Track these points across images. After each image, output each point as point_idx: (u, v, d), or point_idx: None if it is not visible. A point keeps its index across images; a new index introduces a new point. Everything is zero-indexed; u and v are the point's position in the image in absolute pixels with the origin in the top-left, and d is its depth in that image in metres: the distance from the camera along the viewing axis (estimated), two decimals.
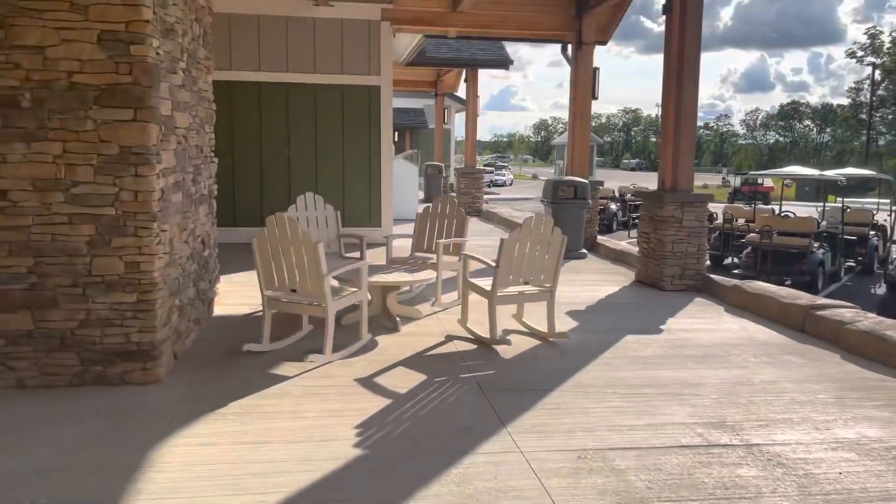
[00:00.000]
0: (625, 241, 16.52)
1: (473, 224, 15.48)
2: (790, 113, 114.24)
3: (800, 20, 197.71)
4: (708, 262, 8.47)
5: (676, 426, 4.15)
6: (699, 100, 8.42)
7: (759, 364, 5.46)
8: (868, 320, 6.00)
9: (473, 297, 6.18)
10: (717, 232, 14.04)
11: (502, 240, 5.55)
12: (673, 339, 6.17)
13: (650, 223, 8.64)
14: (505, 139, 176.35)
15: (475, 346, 5.75)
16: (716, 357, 5.62)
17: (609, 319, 6.84)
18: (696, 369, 5.29)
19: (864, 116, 75.42)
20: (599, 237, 12.17)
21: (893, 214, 15.00)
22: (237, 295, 7.33)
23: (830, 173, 15.02)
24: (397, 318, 6.21)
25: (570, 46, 12.01)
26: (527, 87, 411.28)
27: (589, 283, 8.74)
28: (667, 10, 8.38)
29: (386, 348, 5.62)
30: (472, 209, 17.53)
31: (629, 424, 4.16)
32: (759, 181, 34.92)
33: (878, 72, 61.90)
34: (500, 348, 5.68)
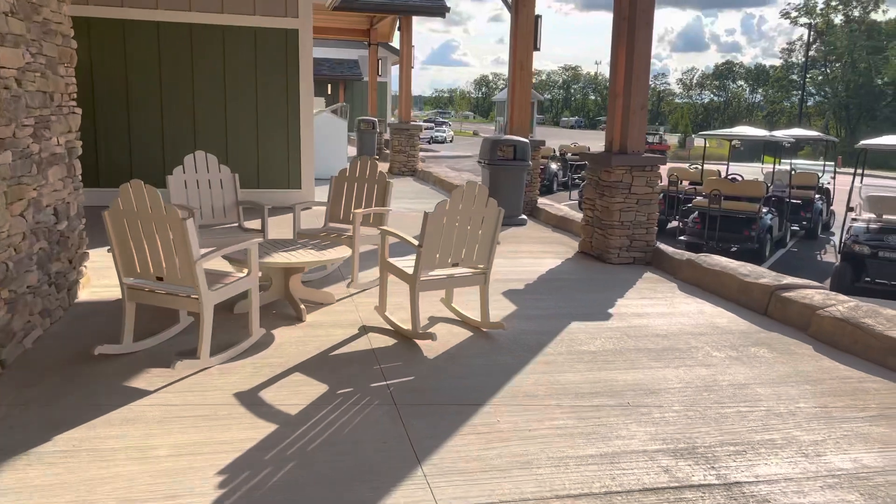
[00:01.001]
0: (565, 205, 15.77)
1: (408, 185, 14.43)
2: (724, 73, 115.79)
3: None
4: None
5: (637, 455, 3.29)
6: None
7: (725, 360, 4.67)
8: (842, 305, 5.28)
9: (395, 279, 5.20)
10: (662, 195, 13.39)
11: (426, 214, 4.56)
12: (624, 326, 5.34)
13: (595, 188, 7.77)
14: (446, 94, 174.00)
15: (394, 341, 4.78)
16: (674, 351, 4.81)
17: (551, 301, 5.97)
18: (653, 368, 4.46)
19: (795, 77, 76.70)
20: (540, 200, 11.31)
21: (851, 179, 14.62)
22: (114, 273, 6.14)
23: (779, 134, 14.50)
24: (302, 306, 5.18)
25: None
26: (468, 42, 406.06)
27: (529, 255, 7.86)
28: None
29: (283, 346, 4.60)
30: (406, 168, 16.45)
31: (578, 455, 3.28)
32: (656, 140, 34.66)
33: (809, 32, 62.62)
34: (423, 344, 4.73)
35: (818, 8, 69.18)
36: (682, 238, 11.56)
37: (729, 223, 11.10)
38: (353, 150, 21.43)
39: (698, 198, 11.70)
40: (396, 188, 13.53)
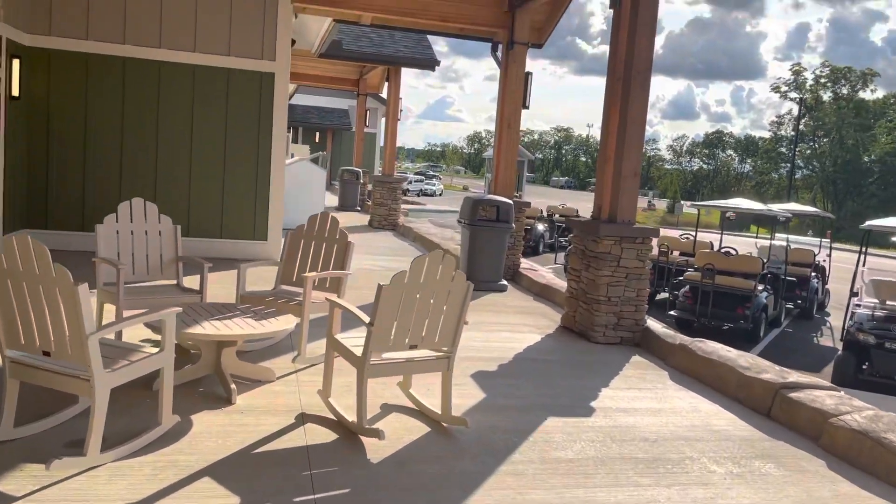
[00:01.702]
0: (550, 269, 15.15)
1: (387, 239, 13.77)
2: (714, 141, 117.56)
3: (725, 54, 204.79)
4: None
5: None
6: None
7: (725, 478, 3.94)
8: (858, 414, 4.58)
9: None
10: (651, 265, 12.78)
11: (380, 286, 3.86)
12: (608, 425, 4.60)
13: (581, 258, 7.12)
14: (438, 149, 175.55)
15: (334, 436, 4.02)
16: (666, 462, 4.07)
17: (526, 387, 5.24)
18: (641, 486, 3.72)
19: (783, 150, 77.75)
20: (524, 263, 10.67)
21: (853, 257, 14.10)
22: None
23: (776, 208, 14.03)
24: (232, 385, 4.42)
25: (500, 46, 10.50)
26: (463, 99, 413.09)
27: (506, 328, 7.15)
28: (615, 2, 6.91)
29: (199, 438, 3.83)
30: (387, 222, 15.83)
31: None
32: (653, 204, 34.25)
33: (800, 107, 63.63)
34: (368, 442, 3.97)
35: (808, 84, 70.54)
36: (671, 312, 10.91)
37: (722, 300, 10.47)
38: (335, 200, 20.85)
39: (690, 271, 11.10)
40: (374, 243, 12.87)
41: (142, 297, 5.02)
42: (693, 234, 14.95)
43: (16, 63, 8.38)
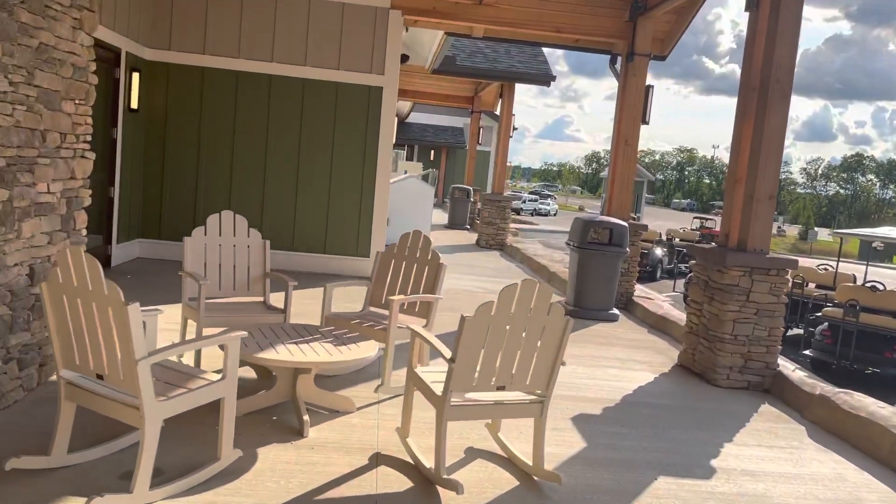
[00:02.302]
0: (668, 297, 14.14)
1: (492, 259, 13.29)
2: (853, 165, 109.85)
3: (865, 73, 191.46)
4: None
5: None
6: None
7: None
8: None
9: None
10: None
11: (463, 318, 3.38)
12: (732, 492, 3.89)
13: (704, 290, 6.35)
14: (555, 168, 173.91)
15: (409, 484, 3.56)
16: None
17: (634, 437, 4.58)
18: None
19: None
20: (640, 289, 9.90)
21: None
22: None
23: None
24: (306, 417, 4.06)
25: (619, 58, 9.83)
26: (582, 118, 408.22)
27: (614, 363, 6.47)
28: (752, 4, 6.16)
29: (261, 476, 3.47)
30: (494, 241, 15.36)
31: None
32: (710, 224, 31.32)
33: None
34: (445, 495, 3.48)
35: None
36: (806, 352, 9.77)
37: (867, 341, 9.25)
38: (445, 218, 20.63)
39: (829, 306, 9.91)
40: (479, 262, 12.43)
41: (223, 315, 4.79)
42: (832, 264, 13.52)
43: (135, 76, 8.59)
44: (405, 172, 19.55)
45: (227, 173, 9.31)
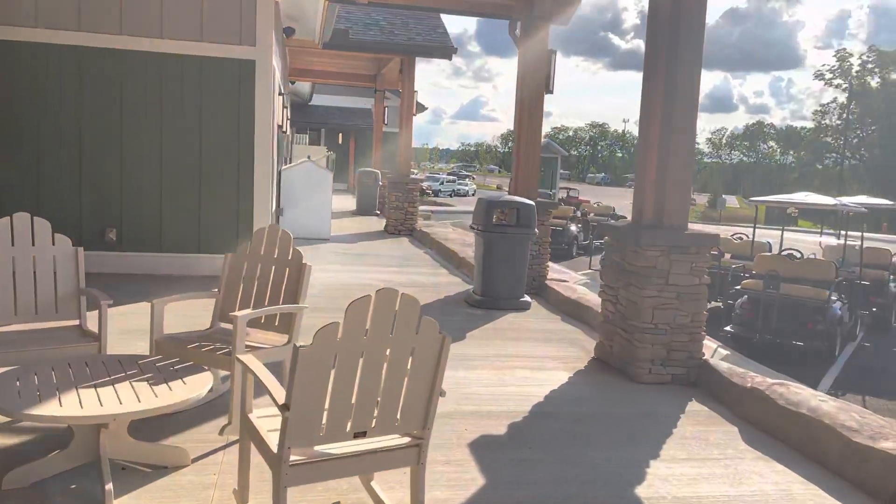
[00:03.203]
0: (583, 278, 13.60)
1: (401, 247, 12.36)
2: (755, 133, 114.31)
3: (763, 44, 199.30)
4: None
5: None
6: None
7: None
8: None
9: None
10: None
11: (296, 349, 2.46)
12: None
13: (619, 275, 5.62)
14: (472, 149, 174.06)
15: None
16: None
17: (543, 466, 3.77)
18: None
19: (829, 139, 74.53)
20: (554, 268, 9.21)
21: None
22: None
23: (848, 202, 12.29)
24: (108, 487, 3.03)
25: (518, 23, 9.02)
26: (496, 98, 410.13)
27: (526, 362, 5.68)
28: None
29: None
30: (403, 227, 14.44)
31: None
32: (574, 193, 32.08)
33: (845, 94, 60.70)
34: None
35: (854, 70, 67.27)
36: (727, 328, 9.30)
37: (789, 312, 8.83)
38: (353, 204, 19.57)
39: (748, 280, 9.46)
40: (384, 251, 11.48)
41: (15, 350, 3.68)
42: (745, 233, 13.24)
43: None
44: (308, 158, 18.36)
45: (74, 171, 8.00)
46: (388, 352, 2.63)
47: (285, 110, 13.29)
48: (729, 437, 4.34)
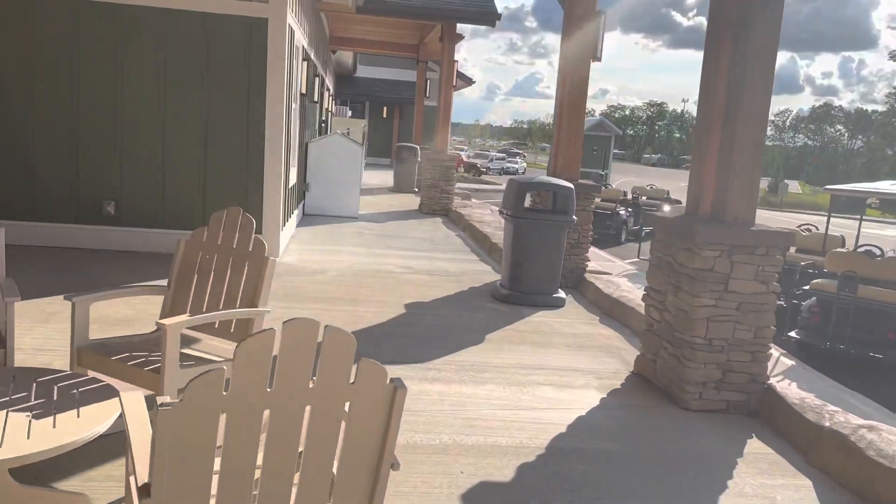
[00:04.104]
0: (630, 268, 12.53)
1: (433, 228, 11.50)
2: (821, 116, 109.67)
3: (833, 22, 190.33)
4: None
5: None
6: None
7: None
8: None
9: None
10: None
11: (160, 408, 1.61)
12: None
13: (667, 275, 4.66)
14: (525, 126, 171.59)
15: None
16: None
17: None
18: None
19: None
20: (599, 255, 8.23)
21: None
22: None
23: None
24: None
25: None
26: (552, 75, 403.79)
27: (550, 376, 4.78)
28: None
29: None
30: (438, 206, 13.57)
31: None
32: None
33: None
34: None
35: None
36: (791, 334, 8.20)
37: (868, 319, 7.67)
38: (390, 181, 18.76)
39: (818, 280, 8.31)
40: (413, 232, 10.64)
41: None
42: (813, 222, 11.95)
43: None
44: (344, 131, 17.60)
45: (69, 139, 7.34)
46: (307, 409, 1.78)
47: (317, 78, 12.49)
48: (801, 494, 3.39)
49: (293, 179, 9.28)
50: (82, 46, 7.25)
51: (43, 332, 4.66)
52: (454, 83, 13.71)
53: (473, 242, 10.45)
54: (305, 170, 11.54)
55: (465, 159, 45.42)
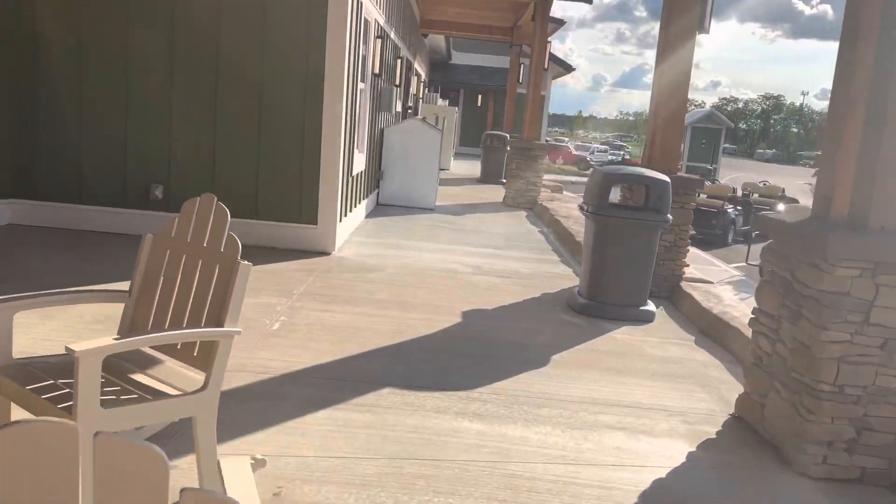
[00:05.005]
0: (735, 273, 11.18)
1: (512, 223, 10.58)
2: None
3: None
4: None
5: None
6: None
7: None
8: None
9: None
10: None
11: None
12: None
13: (783, 295, 3.58)
14: (631, 118, 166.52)
15: None
16: None
17: None
18: None
19: None
20: (700, 257, 7.10)
21: None
22: None
23: None
24: None
25: None
26: None
27: (623, 415, 3.80)
28: None
29: None
30: (524, 199, 12.61)
31: None
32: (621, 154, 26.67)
33: None
34: None
35: None
36: None
37: None
38: (475, 171, 17.91)
39: None
40: (492, 227, 9.74)
41: None
42: None
43: None
44: (437, 119, 16.88)
45: (119, 116, 6.90)
46: None
47: (399, 60, 11.78)
48: None
49: (360, 167, 8.58)
50: (132, 24, 6.77)
51: (41, 332, 4.11)
52: (546, 66, 12.67)
53: (556, 240, 9.46)
54: (381, 157, 10.86)
55: (573, 152, 43.68)
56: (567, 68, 28.09)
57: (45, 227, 6.91)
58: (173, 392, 2.49)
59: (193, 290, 2.67)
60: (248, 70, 6.82)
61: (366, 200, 9.56)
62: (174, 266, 2.76)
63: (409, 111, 16.02)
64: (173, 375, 2.61)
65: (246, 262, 2.56)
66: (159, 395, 2.44)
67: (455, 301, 5.79)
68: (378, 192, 10.94)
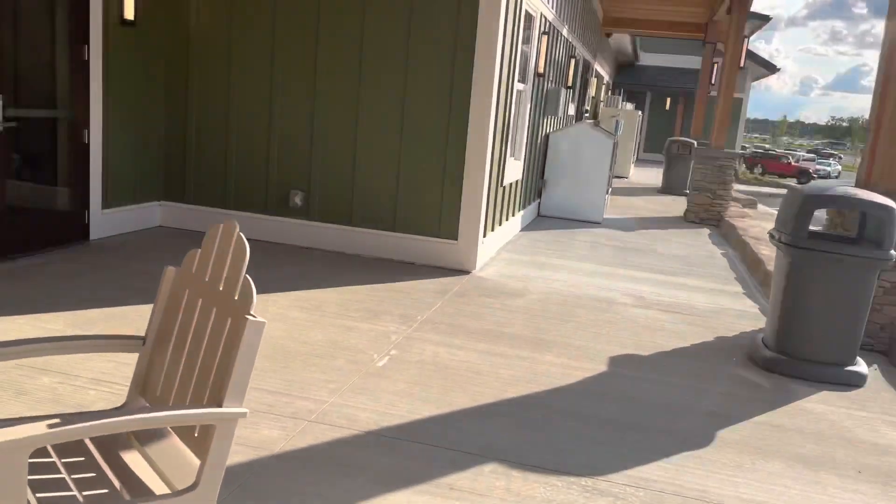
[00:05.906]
0: None
1: (690, 243, 9.28)
2: None
3: None
4: None
5: None
6: None
7: None
8: None
9: None
10: None
11: None
12: None
13: None
14: (844, 124, 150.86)
15: None
16: None
17: None
18: None
19: None
20: None
21: None
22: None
23: None
24: None
25: None
26: None
27: None
28: None
29: None
30: (708, 214, 11.15)
31: None
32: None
33: None
34: None
35: None
36: None
37: None
38: (657, 180, 16.42)
39: None
40: (663, 246, 8.54)
41: None
42: None
43: None
44: (618, 124, 15.70)
45: (264, 121, 6.66)
46: None
47: (573, 60, 10.84)
48: None
49: (514, 175, 7.80)
50: (277, 32, 6.49)
51: (100, 364, 3.75)
52: (741, 63, 11.09)
53: (743, 266, 8.07)
54: (544, 164, 10.00)
55: (793, 163, 39.44)
56: (770, 69, 25.38)
57: (191, 230, 6.85)
58: (156, 489, 1.87)
59: (203, 348, 2.04)
60: (391, 73, 6.28)
61: (522, 212, 8.75)
62: (190, 311, 2.15)
63: (585, 115, 14.98)
64: (171, 458, 2.00)
65: (258, 318, 1.86)
66: (138, 489, 1.82)
67: (603, 341, 4.83)
68: (539, 203, 10.09)
